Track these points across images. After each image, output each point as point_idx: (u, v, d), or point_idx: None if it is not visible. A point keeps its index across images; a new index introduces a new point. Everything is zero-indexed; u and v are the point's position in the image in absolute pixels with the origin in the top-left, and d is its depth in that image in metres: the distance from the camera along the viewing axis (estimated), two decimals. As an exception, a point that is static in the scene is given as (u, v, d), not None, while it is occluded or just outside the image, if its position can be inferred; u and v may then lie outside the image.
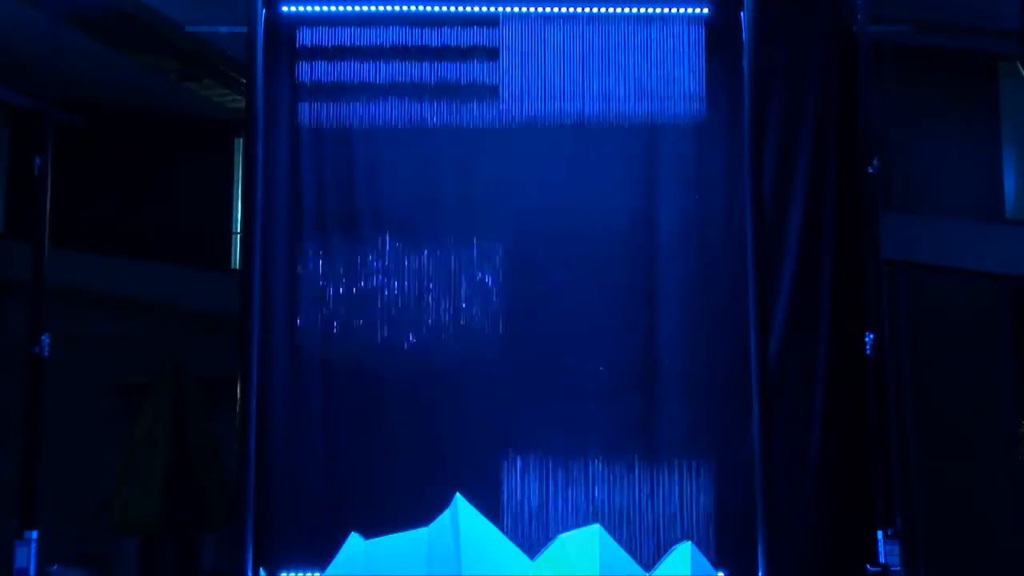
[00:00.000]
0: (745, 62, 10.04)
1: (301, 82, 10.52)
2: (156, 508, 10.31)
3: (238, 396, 9.68)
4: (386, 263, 10.35)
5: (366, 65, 10.51)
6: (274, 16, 10.31)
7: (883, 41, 10.54)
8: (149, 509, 10.33)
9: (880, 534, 9.20)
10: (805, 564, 9.63)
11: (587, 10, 10.38)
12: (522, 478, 9.99)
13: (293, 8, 10.40)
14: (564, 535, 9.56)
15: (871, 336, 9.56)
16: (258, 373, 9.81)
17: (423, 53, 10.45)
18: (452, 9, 10.39)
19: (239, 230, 12.58)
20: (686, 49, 10.42)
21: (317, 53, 10.51)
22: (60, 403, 10.10)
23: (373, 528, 9.69)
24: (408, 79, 10.47)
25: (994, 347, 12.23)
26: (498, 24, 10.37)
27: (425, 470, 9.96)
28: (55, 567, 9.37)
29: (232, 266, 14.13)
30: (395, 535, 9.62)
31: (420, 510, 9.68)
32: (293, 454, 10.04)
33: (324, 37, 10.48)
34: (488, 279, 10.31)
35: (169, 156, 14.99)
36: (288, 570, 9.77)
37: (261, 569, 9.58)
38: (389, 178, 10.43)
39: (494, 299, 10.30)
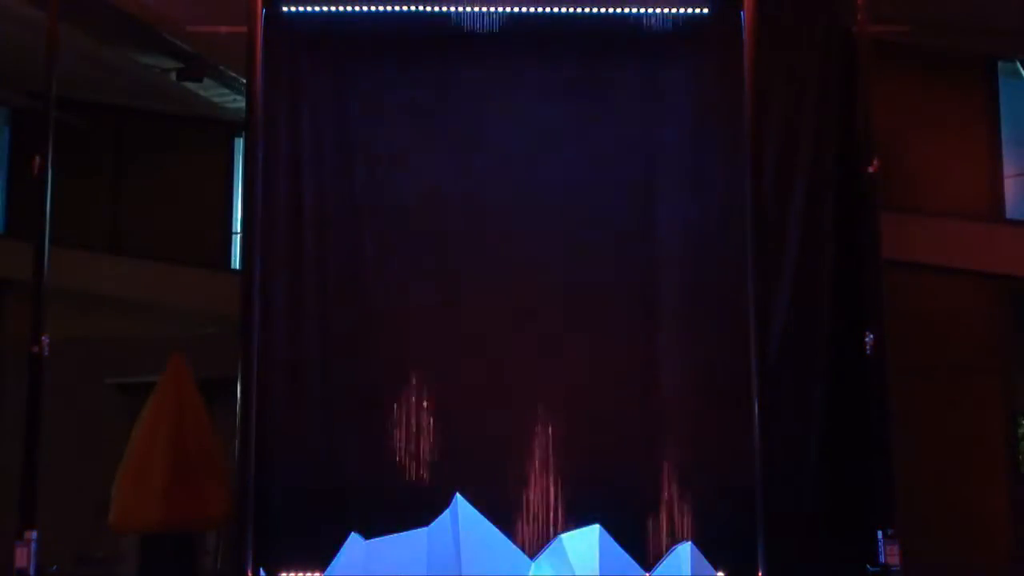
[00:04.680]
0: (745, 62, 10.04)
1: (301, 81, 10.52)
2: (156, 508, 10.29)
3: (238, 396, 9.68)
4: (387, 262, 10.36)
5: (366, 63, 10.50)
6: (274, 16, 10.31)
7: (883, 41, 10.53)
8: (149, 509, 10.31)
9: (880, 534, 9.21)
10: (805, 564, 9.62)
11: (587, 10, 10.38)
12: (526, 479, 10.03)
13: (293, 8, 10.40)
14: (564, 535, 9.57)
15: (871, 336, 9.57)
16: (258, 373, 9.81)
17: (424, 48, 10.45)
18: (453, 9, 10.38)
19: (239, 230, 12.58)
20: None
21: (317, 52, 10.50)
22: (60, 403, 10.10)
23: (373, 528, 9.69)
24: (409, 75, 10.47)
25: (994, 347, 12.22)
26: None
27: (425, 469, 9.96)
28: (55, 567, 9.37)
29: (232, 266, 14.13)
30: (395, 535, 9.62)
31: (420, 510, 9.70)
32: (293, 454, 10.04)
33: (324, 36, 10.48)
34: (488, 275, 10.33)
35: (169, 156, 14.98)
36: (288, 570, 9.76)
37: (261, 569, 9.58)
38: (390, 175, 10.44)
39: (494, 296, 10.31)
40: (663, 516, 9.93)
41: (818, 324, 10.18)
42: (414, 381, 10.17)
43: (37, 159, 9.45)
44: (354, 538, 9.59)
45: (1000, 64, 12.76)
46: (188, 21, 10.98)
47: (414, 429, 10.08)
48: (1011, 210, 12.62)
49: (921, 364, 11.49)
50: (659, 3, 10.36)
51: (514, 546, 9.60)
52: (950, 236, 12.24)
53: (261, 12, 10.10)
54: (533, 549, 9.65)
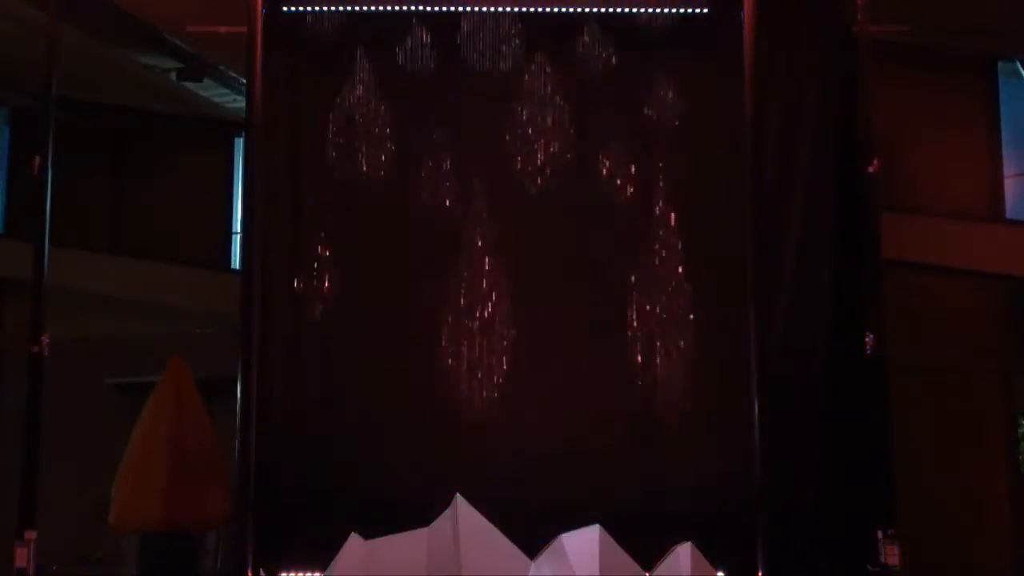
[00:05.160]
0: (745, 62, 10.03)
1: (301, 81, 10.51)
2: (156, 508, 10.29)
3: (238, 396, 9.68)
4: (387, 262, 10.35)
5: (366, 63, 10.50)
6: (274, 16, 10.31)
7: (883, 41, 10.53)
8: (149, 509, 10.31)
9: (880, 534, 9.20)
10: (805, 564, 9.61)
11: (587, 10, 10.38)
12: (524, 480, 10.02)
13: (293, 8, 10.40)
14: (564, 535, 9.55)
15: (871, 336, 9.56)
16: (258, 372, 9.80)
17: (424, 48, 10.45)
18: (453, 8, 10.39)
19: (239, 230, 12.57)
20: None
21: (317, 52, 10.50)
22: (60, 403, 10.10)
23: (373, 528, 9.69)
24: (409, 75, 10.47)
25: (994, 347, 12.22)
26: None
27: (426, 469, 9.96)
28: (55, 567, 9.35)
29: (232, 266, 14.13)
30: (395, 535, 9.61)
31: (420, 510, 9.69)
32: (293, 454, 10.04)
33: (324, 36, 10.48)
34: (490, 273, 10.32)
35: (169, 156, 14.99)
36: (288, 570, 9.76)
37: (261, 569, 9.57)
38: (390, 174, 10.43)
39: (495, 296, 10.31)
40: (663, 516, 9.92)
41: (818, 324, 10.18)
42: (414, 380, 10.16)
43: (37, 159, 9.44)
44: (354, 538, 9.58)
45: (1000, 64, 12.77)
46: (188, 21, 10.98)
47: (414, 429, 10.08)
48: (1011, 210, 12.63)
49: (921, 364, 11.48)
50: (659, 3, 10.36)
51: (514, 546, 9.58)
52: (950, 236, 12.24)
53: (261, 12, 10.09)
54: (533, 549, 9.63)
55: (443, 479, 9.79)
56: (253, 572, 9.46)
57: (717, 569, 9.61)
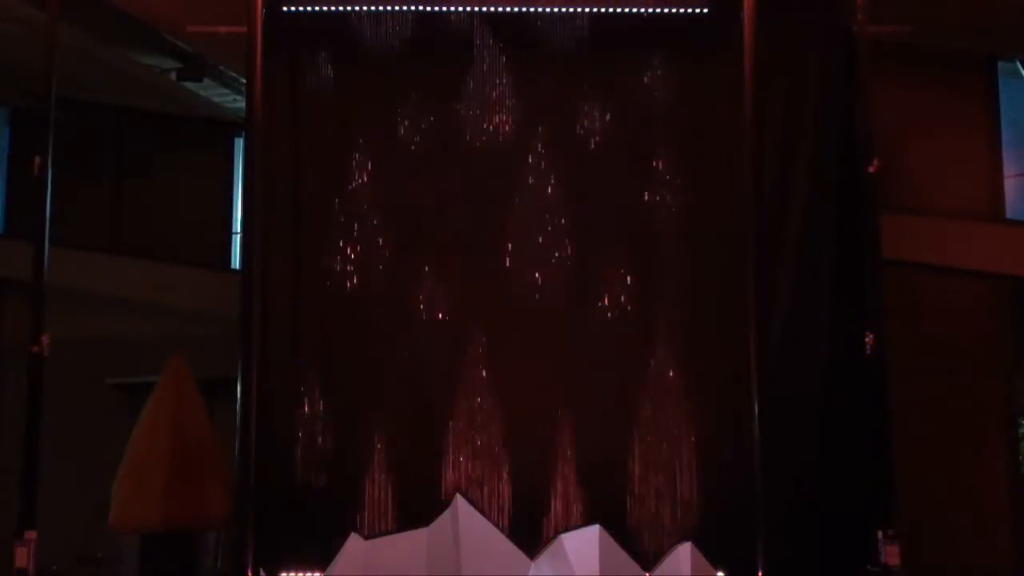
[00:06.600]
0: (745, 62, 10.03)
1: (301, 81, 10.52)
2: (156, 508, 10.29)
3: (238, 396, 9.68)
4: (388, 262, 10.35)
5: (367, 63, 10.49)
6: (274, 16, 10.31)
7: (883, 41, 10.53)
8: (149, 509, 10.31)
9: (880, 534, 9.20)
10: (805, 564, 9.61)
11: (585, 10, 10.38)
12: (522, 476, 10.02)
13: (293, 8, 10.40)
14: (564, 535, 9.56)
15: (871, 336, 9.55)
16: (258, 373, 9.80)
17: (424, 47, 10.45)
18: (454, 8, 10.40)
19: (239, 230, 12.57)
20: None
21: (317, 52, 10.50)
22: (60, 403, 10.10)
23: (373, 528, 9.70)
24: (409, 74, 10.46)
25: (994, 347, 12.22)
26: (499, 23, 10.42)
27: (424, 468, 9.96)
28: (55, 567, 9.35)
29: (232, 266, 14.14)
30: (395, 535, 9.62)
31: (421, 510, 9.70)
32: (293, 454, 10.04)
33: (324, 36, 10.48)
34: (489, 274, 10.32)
35: (169, 156, 14.99)
36: (288, 570, 9.76)
37: (261, 569, 9.57)
38: (391, 175, 10.43)
39: (494, 295, 10.31)
40: (663, 516, 9.93)
41: (818, 324, 10.18)
42: (414, 381, 10.16)
43: (37, 159, 9.45)
44: (354, 538, 9.59)
45: (1000, 64, 12.77)
46: (188, 21, 10.98)
47: (414, 428, 10.07)
48: (1011, 210, 12.63)
49: (921, 364, 11.49)
50: (659, 3, 10.36)
51: (514, 546, 9.59)
52: (950, 236, 12.24)
53: (261, 12, 10.09)
54: (533, 549, 9.64)
55: (443, 478, 9.80)
56: (253, 572, 9.46)
57: (717, 569, 9.61)
